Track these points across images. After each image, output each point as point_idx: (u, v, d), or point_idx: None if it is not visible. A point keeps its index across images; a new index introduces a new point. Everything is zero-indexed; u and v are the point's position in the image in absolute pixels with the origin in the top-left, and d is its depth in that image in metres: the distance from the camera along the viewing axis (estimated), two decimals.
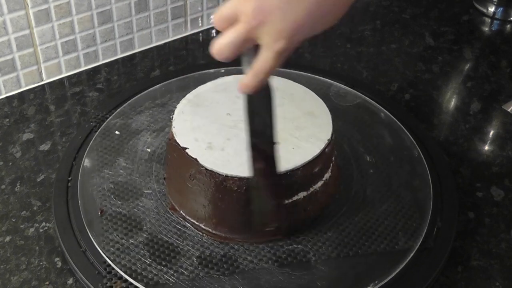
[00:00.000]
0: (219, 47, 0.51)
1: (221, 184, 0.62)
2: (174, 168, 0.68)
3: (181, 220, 0.67)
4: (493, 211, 0.72)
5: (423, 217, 0.68)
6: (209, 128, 0.66)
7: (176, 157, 0.66)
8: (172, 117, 0.68)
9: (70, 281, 0.63)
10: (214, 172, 0.62)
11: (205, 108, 0.69)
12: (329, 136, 0.66)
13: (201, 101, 0.70)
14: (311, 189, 0.66)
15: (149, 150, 0.75)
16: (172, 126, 0.67)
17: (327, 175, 0.67)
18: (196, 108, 0.69)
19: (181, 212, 0.68)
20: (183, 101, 0.71)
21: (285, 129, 0.66)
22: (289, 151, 0.63)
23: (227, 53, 0.51)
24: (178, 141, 0.65)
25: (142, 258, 0.63)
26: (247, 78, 0.52)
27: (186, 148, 0.64)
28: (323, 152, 0.65)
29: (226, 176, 0.62)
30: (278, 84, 0.73)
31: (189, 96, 0.71)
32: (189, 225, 0.67)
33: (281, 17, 0.48)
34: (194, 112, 0.69)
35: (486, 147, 0.83)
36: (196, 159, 0.63)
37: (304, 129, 0.67)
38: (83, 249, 0.64)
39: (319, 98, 0.72)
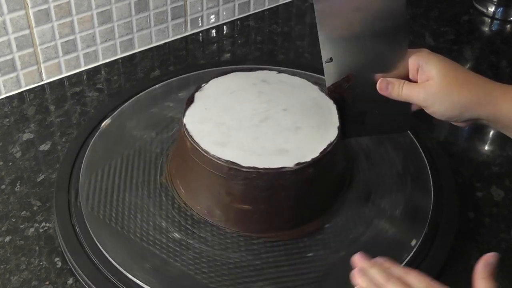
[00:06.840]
0: None
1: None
2: (186, 166, 0.68)
3: (188, 216, 0.67)
4: (493, 211, 0.72)
5: (423, 217, 0.68)
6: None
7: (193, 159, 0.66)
8: (182, 118, 0.68)
9: (70, 281, 0.63)
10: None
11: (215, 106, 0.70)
12: (335, 135, 0.66)
13: (210, 100, 0.70)
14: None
15: (150, 149, 0.75)
16: (185, 128, 0.66)
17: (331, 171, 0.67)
18: (205, 107, 0.69)
19: (188, 206, 0.68)
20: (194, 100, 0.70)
21: (289, 126, 0.66)
22: (293, 148, 0.64)
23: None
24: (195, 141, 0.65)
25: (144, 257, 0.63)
26: None
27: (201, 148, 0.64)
28: (327, 147, 0.65)
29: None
30: (284, 81, 0.73)
31: (196, 95, 0.71)
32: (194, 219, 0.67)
33: None
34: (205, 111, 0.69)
35: (486, 147, 0.83)
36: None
37: (308, 127, 0.67)
38: (84, 248, 0.64)
39: (325, 95, 0.71)
